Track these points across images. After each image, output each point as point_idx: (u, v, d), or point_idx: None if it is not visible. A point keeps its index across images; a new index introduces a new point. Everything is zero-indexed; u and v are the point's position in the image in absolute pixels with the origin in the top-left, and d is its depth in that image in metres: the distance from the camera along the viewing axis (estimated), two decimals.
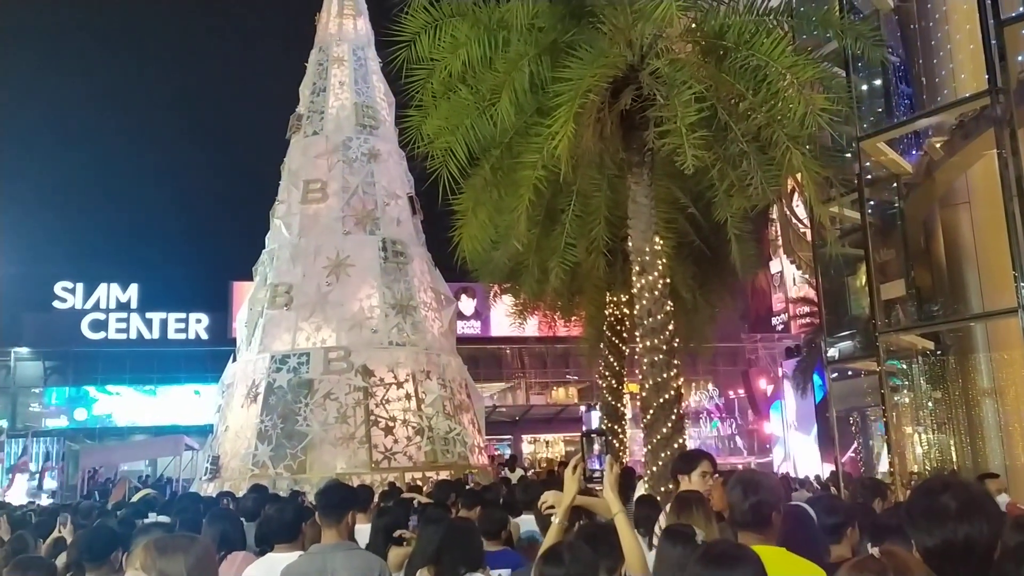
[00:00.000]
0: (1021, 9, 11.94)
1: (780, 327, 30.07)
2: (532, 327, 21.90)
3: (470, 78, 10.42)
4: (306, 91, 19.65)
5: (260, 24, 55.82)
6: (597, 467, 3.68)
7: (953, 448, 14.19)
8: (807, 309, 25.20)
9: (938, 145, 14.94)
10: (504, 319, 24.42)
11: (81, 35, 55.44)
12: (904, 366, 16.01)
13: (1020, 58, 12.26)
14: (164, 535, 2.93)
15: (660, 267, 10.54)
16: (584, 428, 29.98)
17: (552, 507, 3.85)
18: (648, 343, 10.37)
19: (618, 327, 16.93)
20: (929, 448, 14.74)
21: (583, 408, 33.89)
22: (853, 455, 19.38)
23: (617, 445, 16.33)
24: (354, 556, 4.47)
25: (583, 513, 4.01)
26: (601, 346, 17.46)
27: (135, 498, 11.31)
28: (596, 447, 3.73)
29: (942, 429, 14.64)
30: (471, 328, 34.39)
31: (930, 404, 15.37)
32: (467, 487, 10.03)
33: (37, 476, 26.70)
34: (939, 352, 15.40)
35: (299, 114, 19.47)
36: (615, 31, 10.09)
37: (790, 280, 28.12)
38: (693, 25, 10.52)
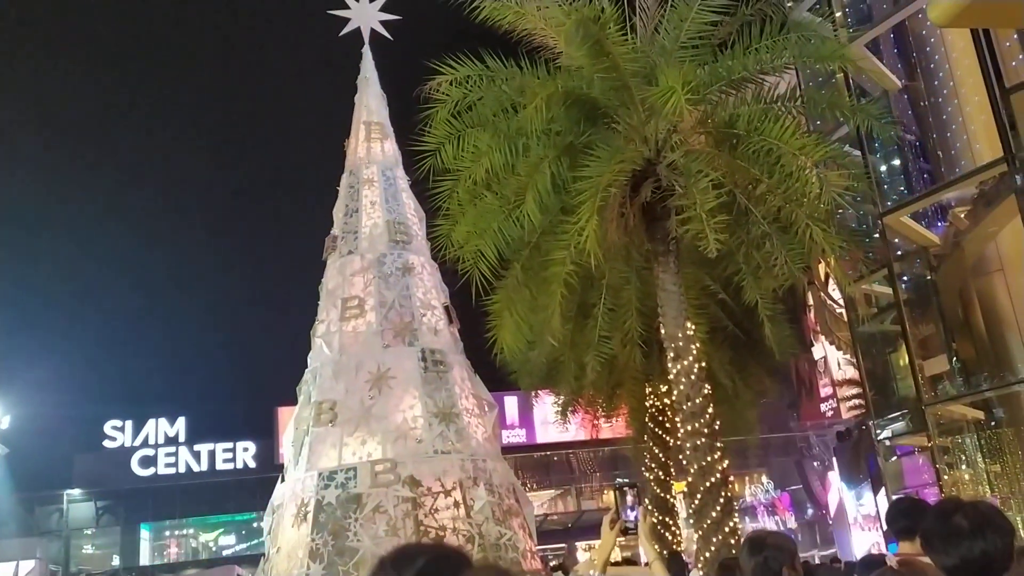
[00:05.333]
0: None
1: (830, 412, 29.48)
2: (578, 432, 21.74)
3: (494, 184, 10.86)
4: (339, 213, 20.29)
5: (291, 154, 58.14)
6: (631, 518, 3.72)
7: (1020, 523, 13.72)
8: (854, 391, 24.75)
9: (962, 215, 15.04)
10: (549, 426, 24.29)
11: (119, 174, 58.00)
12: (959, 440, 15.65)
13: None
14: None
15: (695, 351, 10.64)
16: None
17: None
18: (689, 427, 10.38)
19: (660, 418, 16.82)
20: None
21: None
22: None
23: (670, 538, 16.00)
24: None
25: None
26: (645, 438, 17.34)
27: None
28: (629, 498, 3.79)
29: (1006, 504, 14.18)
30: (516, 436, 34.15)
31: (990, 478, 14.94)
32: None
33: None
34: (994, 424, 15.08)
35: (334, 235, 20.07)
36: (629, 129, 10.53)
37: (834, 364, 27.72)
38: (705, 118, 10.94)
